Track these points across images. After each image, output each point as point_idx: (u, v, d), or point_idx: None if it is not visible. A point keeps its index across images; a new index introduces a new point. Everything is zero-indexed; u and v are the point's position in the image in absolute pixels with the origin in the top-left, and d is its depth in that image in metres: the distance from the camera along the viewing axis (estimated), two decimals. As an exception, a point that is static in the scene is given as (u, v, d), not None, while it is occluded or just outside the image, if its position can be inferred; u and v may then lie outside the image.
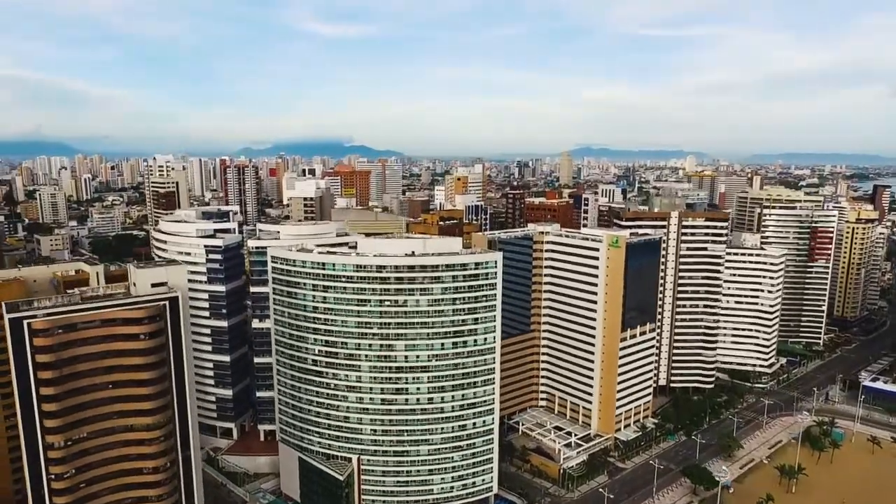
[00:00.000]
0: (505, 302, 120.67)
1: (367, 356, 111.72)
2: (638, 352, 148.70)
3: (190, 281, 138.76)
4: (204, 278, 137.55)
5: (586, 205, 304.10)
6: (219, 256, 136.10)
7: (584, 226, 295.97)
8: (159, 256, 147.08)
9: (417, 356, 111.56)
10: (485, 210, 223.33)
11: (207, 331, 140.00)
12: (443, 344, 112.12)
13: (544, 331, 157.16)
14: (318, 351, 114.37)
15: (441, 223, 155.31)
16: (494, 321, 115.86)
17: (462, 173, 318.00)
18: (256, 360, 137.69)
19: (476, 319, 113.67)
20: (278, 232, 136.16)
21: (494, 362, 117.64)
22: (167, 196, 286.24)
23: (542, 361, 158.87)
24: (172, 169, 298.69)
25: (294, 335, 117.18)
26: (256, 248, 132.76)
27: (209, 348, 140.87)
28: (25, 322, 74.57)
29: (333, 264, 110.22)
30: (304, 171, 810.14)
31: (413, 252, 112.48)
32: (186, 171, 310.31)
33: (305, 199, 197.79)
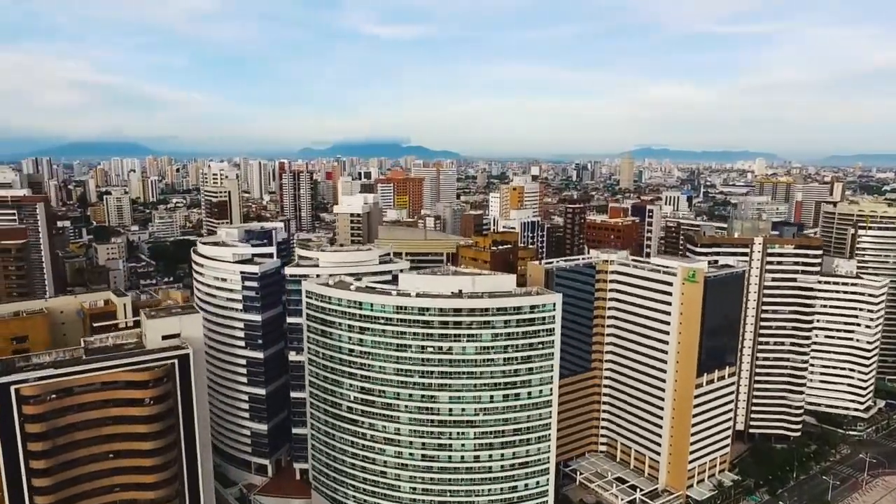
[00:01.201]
0: (564, 336, 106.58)
1: (406, 406, 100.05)
2: (715, 399, 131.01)
3: (225, 308, 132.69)
4: (239, 306, 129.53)
5: (650, 217, 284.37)
6: (255, 284, 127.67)
7: (649, 239, 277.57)
8: (197, 280, 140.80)
9: (463, 409, 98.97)
10: (541, 227, 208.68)
11: (243, 361, 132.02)
12: (492, 396, 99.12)
13: (607, 369, 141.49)
14: (354, 397, 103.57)
15: (494, 248, 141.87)
16: (551, 370, 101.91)
17: (518, 183, 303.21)
18: (293, 394, 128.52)
19: (531, 369, 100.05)
20: (317, 259, 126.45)
21: (550, 416, 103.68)
22: (220, 205, 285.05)
23: (604, 402, 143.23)
24: (226, 177, 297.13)
25: (328, 378, 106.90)
26: (292, 275, 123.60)
27: (244, 380, 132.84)
28: (13, 388, 66.65)
29: (371, 304, 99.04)
30: (359, 174, 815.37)
31: (460, 291, 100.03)
32: (239, 179, 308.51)
33: (352, 215, 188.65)
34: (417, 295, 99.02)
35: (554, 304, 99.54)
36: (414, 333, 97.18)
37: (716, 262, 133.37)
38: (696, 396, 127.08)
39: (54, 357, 72.16)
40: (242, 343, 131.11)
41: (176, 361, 72.73)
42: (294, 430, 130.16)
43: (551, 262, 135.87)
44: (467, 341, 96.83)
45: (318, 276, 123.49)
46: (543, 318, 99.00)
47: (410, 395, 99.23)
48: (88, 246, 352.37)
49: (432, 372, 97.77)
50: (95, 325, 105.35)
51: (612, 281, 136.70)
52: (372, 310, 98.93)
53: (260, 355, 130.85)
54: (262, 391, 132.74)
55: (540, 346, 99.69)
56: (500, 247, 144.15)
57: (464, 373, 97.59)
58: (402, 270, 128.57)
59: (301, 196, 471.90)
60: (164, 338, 75.69)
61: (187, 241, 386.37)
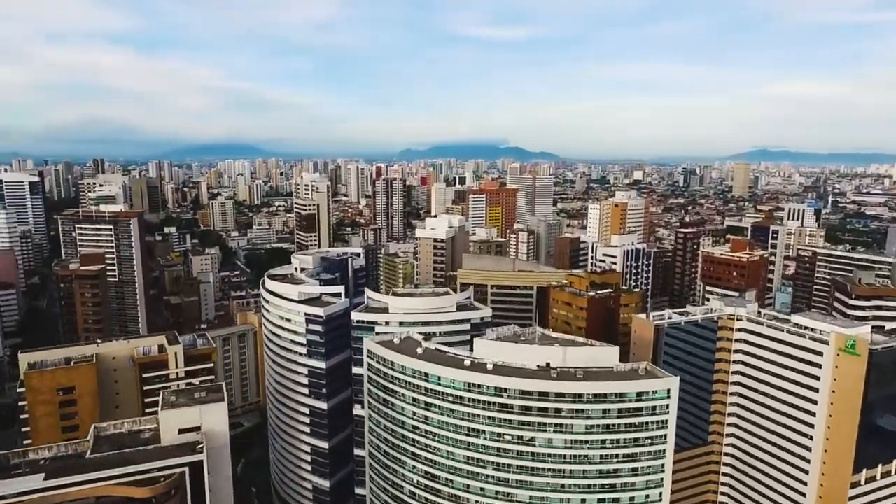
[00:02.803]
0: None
1: (478, 502, 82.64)
2: (877, 501, 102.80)
3: (289, 350, 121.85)
4: (303, 350, 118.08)
5: (774, 238, 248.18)
6: (320, 328, 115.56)
7: (771, 264, 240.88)
8: (265, 316, 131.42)
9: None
10: (647, 255, 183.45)
11: (306, 410, 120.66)
12: (584, 500, 79.41)
13: (728, 444, 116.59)
14: (417, 482, 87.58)
15: (592, 293, 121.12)
16: (661, 471, 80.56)
17: (620, 198, 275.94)
18: (357, 451, 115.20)
19: (635, 470, 79.34)
20: (387, 304, 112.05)
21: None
22: (309, 218, 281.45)
23: (723, 485, 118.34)
24: (316, 189, 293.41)
25: (389, 453, 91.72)
26: (359, 322, 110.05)
27: (307, 430, 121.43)
28: (-10, 506, 56.87)
29: (439, 377, 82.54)
30: (454, 178, 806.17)
31: (548, 365, 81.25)
32: (330, 189, 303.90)
33: (436, 240, 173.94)
34: (494, 367, 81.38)
35: (668, 392, 78.19)
36: (489, 417, 79.69)
37: (882, 326, 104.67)
38: (852, 498, 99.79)
39: (55, 452, 62.12)
40: (306, 391, 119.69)
41: (187, 470, 60.30)
42: (357, 490, 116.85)
43: (662, 317, 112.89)
44: (554, 431, 77.95)
45: (386, 322, 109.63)
46: (654, 408, 78.02)
47: (483, 490, 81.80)
48: (187, 254, 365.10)
49: (510, 465, 79.82)
50: (145, 375, 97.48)
51: (738, 341, 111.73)
52: (440, 383, 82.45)
53: (323, 406, 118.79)
54: (325, 444, 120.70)
55: (648, 441, 78.80)
56: (600, 291, 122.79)
57: (549, 469, 78.76)
58: (482, 319, 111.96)
59: (393, 204, 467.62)
60: (182, 431, 63.79)
61: (280, 250, 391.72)
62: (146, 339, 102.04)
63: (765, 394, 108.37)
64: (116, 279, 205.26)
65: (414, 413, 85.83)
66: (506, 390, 78.41)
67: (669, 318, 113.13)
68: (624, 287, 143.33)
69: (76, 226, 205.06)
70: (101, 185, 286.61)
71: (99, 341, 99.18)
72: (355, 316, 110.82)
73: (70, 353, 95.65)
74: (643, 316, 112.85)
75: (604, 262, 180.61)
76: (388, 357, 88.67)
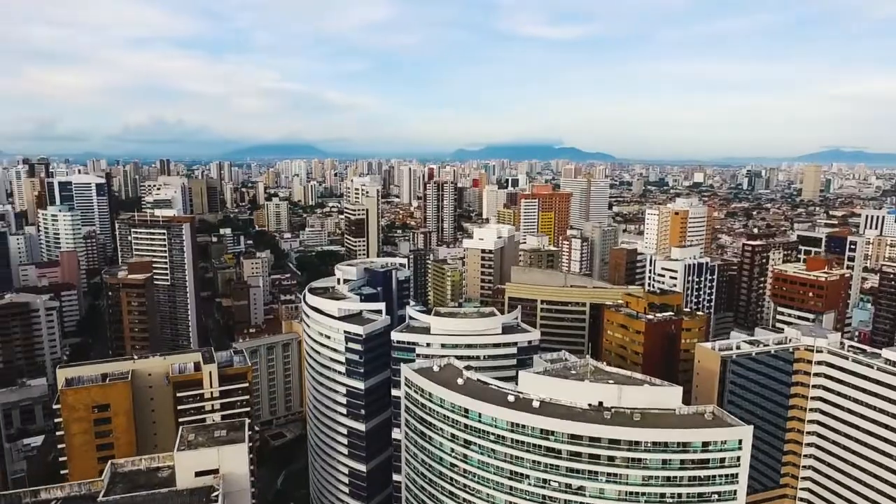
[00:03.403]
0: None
1: (520, 551, 75.49)
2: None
3: (328, 368, 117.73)
4: (342, 369, 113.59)
5: (851, 250, 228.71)
6: (359, 347, 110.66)
7: (850, 284, 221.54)
8: (306, 331, 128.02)
9: (598, 569, 72.12)
10: (711, 270, 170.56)
11: (344, 430, 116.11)
12: (640, 559, 71.02)
13: (803, 488, 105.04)
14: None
15: (650, 316, 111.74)
16: (730, 531, 71.17)
17: (680, 206, 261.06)
18: (395, 476, 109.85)
19: (699, 528, 70.34)
20: (429, 325, 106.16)
21: None
22: (357, 223, 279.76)
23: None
24: (367, 193, 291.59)
25: (426, 489, 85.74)
26: (399, 342, 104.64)
27: (345, 451, 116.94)
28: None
29: (480, 414, 75.87)
30: (506, 180, 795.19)
31: (601, 404, 73.32)
32: (380, 194, 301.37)
33: (483, 251, 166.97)
34: (541, 406, 74.03)
35: (740, 442, 68.83)
36: (534, 461, 72.46)
37: None
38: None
39: (67, 492, 59.06)
40: (344, 410, 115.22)
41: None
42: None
43: (729, 346, 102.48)
44: (607, 481, 69.96)
45: (427, 344, 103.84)
46: (722, 461, 68.86)
47: (526, 539, 74.54)
48: (240, 256, 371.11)
49: (557, 515, 72.26)
50: (179, 394, 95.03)
51: (817, 375, 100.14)
52: (480, 420, 75.78)
53: (361, 427, 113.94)
54: (363, 467, 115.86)
55: (715, 497, 69.68)
56: (659, 314, 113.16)
57: (600, 523, 70.78)
58: (529, 343, 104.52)
59: (444, 207, 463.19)
60: (199, 474, 59.63)
61: (330, 253, 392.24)
62: (182, 355, 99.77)
63: (849, 436, 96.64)
64: (168, 283, 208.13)
65: (452, 449, 79.55)
66: (553, 433, 70.96)
67: (738, 347, 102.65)
68: (685, 307, 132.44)
69: (132, 230, 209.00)
70: (158, 189, 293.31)
71: (135, 357, 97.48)
72: (395, 336, 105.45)
73: (107, 370, 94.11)
74: (708, 345, 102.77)
75: (662, 276, 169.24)
76: (427, 388, 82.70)
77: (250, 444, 67.22)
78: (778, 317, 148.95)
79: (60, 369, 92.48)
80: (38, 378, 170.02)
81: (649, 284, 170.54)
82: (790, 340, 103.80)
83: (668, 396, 73.91)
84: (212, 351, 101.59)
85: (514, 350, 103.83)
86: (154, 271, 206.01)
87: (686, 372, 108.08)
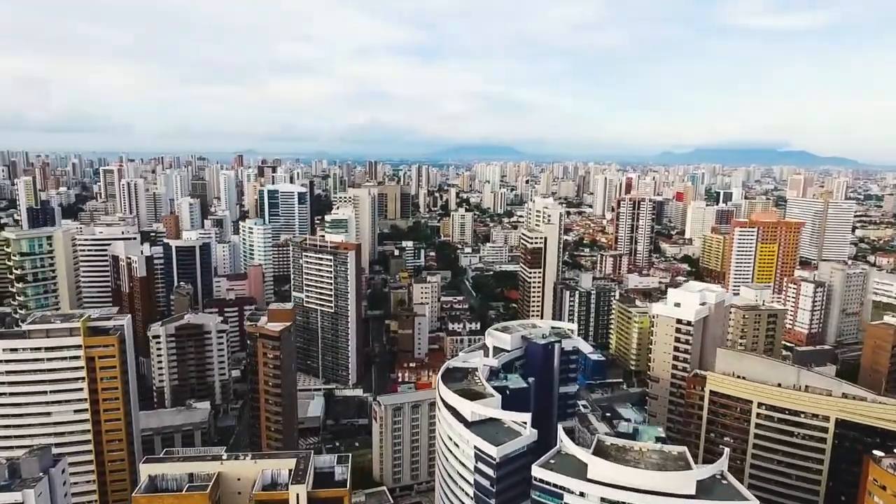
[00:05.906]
0: None
1: None
2: None
3: (455, 483, 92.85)
4: (470, 491, 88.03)
5: None
6: (490, 472, 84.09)
7: None
8: (439, 422, 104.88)
9: None
10: None
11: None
12: None
13: None
14: None
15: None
16: None
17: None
18: None
19: None
20: (585, 465, 75.60)
21: None
22: (534, 253, 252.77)
23: None
24: (548, 219, 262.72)
25: None
26: (540, 481, 75.95)
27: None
28: None
29: None
30: (717, 193, 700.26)
31: None
32: (561, 221, 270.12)
33: (679, 321, 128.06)
34: None
35: None
36: None
37: None
38: None
39: None
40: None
41: None
42: None
43: None
44: None
45: (581, 493, 73.78)
46: None
47: None
48: (427, 264, 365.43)
49: None
50: (261, 513, 77.84)
51: None
52: None
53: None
54: None
55: None
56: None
57: None
58: (739, 520, 68.57)
59: (640, 227, 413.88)
60: None
61: (508, 274, 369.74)
62: (276, 460, 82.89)
63: None
64: (332, 310, 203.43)
65: None
66: None
67: None
68: None
69: (303, 253, 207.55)
70: (337, 209, 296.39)
71: (223, 456, 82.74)
72: (537, 472, 76.86)
73: (193, 469, 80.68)
74: None
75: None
76: None
77: None
78: None
79: (144, 464, 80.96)
80: (203, 401, 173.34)
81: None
82: None
83: None
84: (310, 455, 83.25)
85: (711, 521, 69.01)
86: (319, 295, 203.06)
87: None
